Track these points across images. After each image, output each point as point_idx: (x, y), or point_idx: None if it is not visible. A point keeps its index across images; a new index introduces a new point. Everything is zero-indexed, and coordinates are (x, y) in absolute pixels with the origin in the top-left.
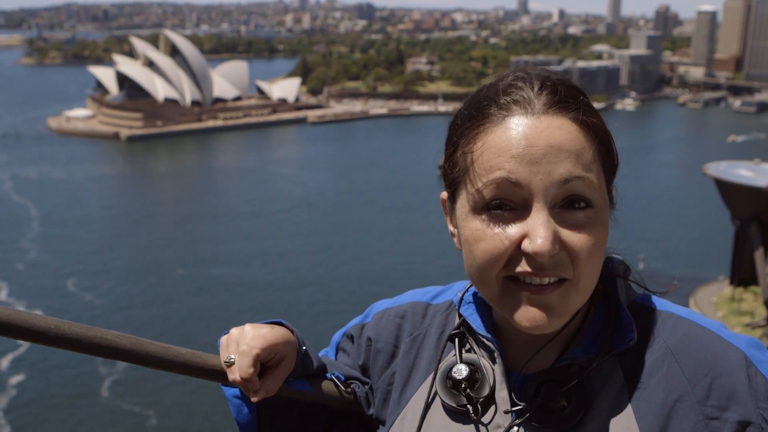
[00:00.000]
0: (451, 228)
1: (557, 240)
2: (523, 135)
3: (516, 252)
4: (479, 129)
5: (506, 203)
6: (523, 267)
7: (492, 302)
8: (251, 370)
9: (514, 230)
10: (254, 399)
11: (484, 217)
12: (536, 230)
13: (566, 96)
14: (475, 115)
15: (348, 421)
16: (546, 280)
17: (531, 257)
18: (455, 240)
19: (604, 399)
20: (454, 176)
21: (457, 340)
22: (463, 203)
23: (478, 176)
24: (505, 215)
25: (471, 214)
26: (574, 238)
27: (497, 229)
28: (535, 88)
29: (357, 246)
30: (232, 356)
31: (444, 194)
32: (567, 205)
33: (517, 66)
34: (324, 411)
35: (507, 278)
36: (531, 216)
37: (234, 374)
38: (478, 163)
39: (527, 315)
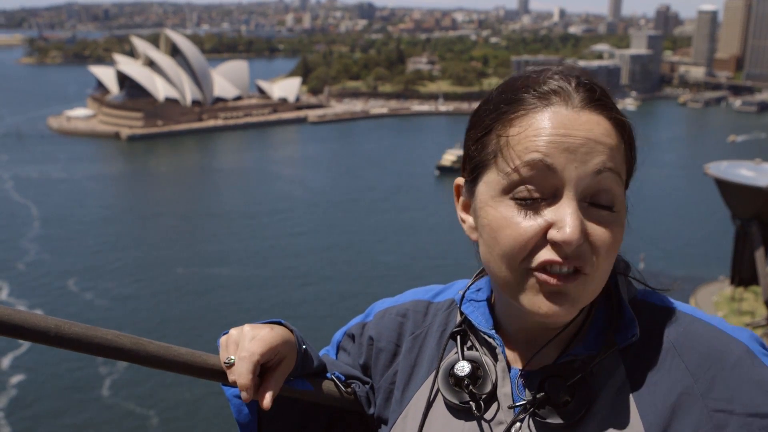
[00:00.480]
0: (462, 215)
1: (584, 231)
2: (563, 124)
3: (541, 241)
4: (516, 114)
5: (535, 192)
6: (548, 255)
7: (508, 291)
8: (250, 376)
9: (541, 218)
10: (263, 405)
11: (511, 202)
12: (565, 219)
13: (602, 95)
14: (512, 100)
15: (348, 421)
16: (565, 269)
17: (557, 246)
18: (465, 227)
19: (607, 394)
20: (481, 159)
21: (458, 337)
22: (489, 186)
23: (514, 156)
24: (533, 204)
25: (498, 196)
26: (598, 231)
27: (524, 216)
28: (573, 84)
29: (358, 246)
30: (232, 357)
31: (459, 180)
32: (593, 204)
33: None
34: (324, 410)
35: (527, 268)
36: (560, 204)
37: (234, 375)
38: (514, 144)
39: (544, 304)
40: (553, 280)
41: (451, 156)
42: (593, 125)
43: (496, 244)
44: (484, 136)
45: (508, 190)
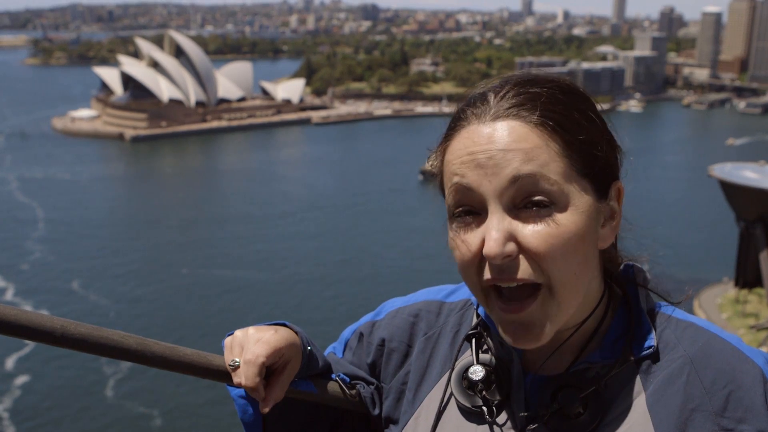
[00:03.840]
0: None
1: (510, 240)
2: (473, 140)
3: (483, 258)
4: (447, 142)
5: (470, 209)
6: (487, 275)
7: (485, 309)
8: (257, 379)
9: (476, 236)
10: (264, 409)
11: (455, 225)
12: (489, 233)
13: (525, 99)
14: (449, 126)
15: (353, 422)
16: (514, 284)
17: (490, 261)
18: None
19: (621, 406)
20: (439, 182)
21: (474, 340)
22: (446, 210)
23: (445, 181)
24: (469, 220)
25: (450, 219)
26: (529, 235)
27: (464, 236)
28: (499, 95)
29: (364, 248)
30: (237, 359)
31: None
32: (528, 205)
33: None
34: (329, 411)
35: (488, 287)
36: (487, 219)
37: (239, 378)
38: (445, 172)
39: (508, 331)
40: (507, 313)
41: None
42: (504, 134)
43: (457, 265)
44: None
45: (451, 213)
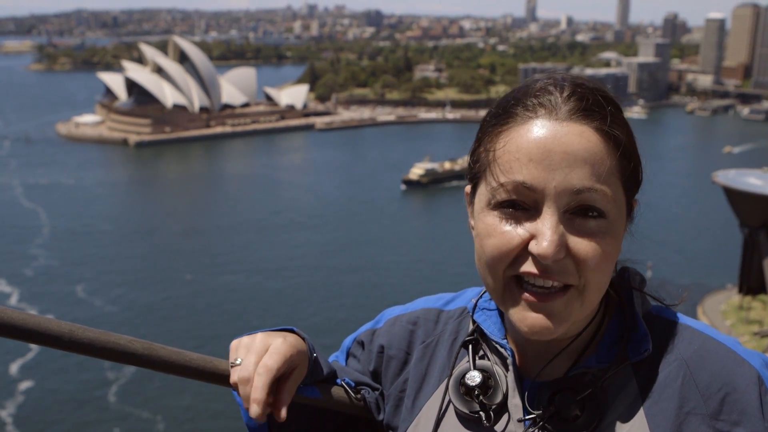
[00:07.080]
0: (470, 221)
1: (563, 245)
2: (544, 139)
3: (523, 252)
4: (503, 128)
5: (519, 203)
6: (528, 267)
7: (495, 299)
8: (266, 391)
9: (523, 230)
10: (279, 417)
11: (497, 213)
12: (544, 233)
13: (593, 104)
14: (501, 114)
15: (357, 426)
16: (550, 284)
17: (536, 259)
18: (473, 234)
19: (618, 409)
20: (475, 171)
21: (470, 346)
22: (480, 198)
23: (497, 175)
24: (517, 214)
25: (486, 208)
26: (581, 245)
27: (508, 227)
28: (564, 94)
29: (367, 254)
30: (239, 358)
31: (468, 188)
32: (580, 213)
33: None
34: (333, 416)
35: (512, 277)
36: (541, 218)
37: (236, 376)
38: (498, 162)
39: (527, 320)
40: (536, 298)
41: (418, 170)
42: (574, 137)
43: (482, 253)
44: (477, 148)
45: (493, 203)
